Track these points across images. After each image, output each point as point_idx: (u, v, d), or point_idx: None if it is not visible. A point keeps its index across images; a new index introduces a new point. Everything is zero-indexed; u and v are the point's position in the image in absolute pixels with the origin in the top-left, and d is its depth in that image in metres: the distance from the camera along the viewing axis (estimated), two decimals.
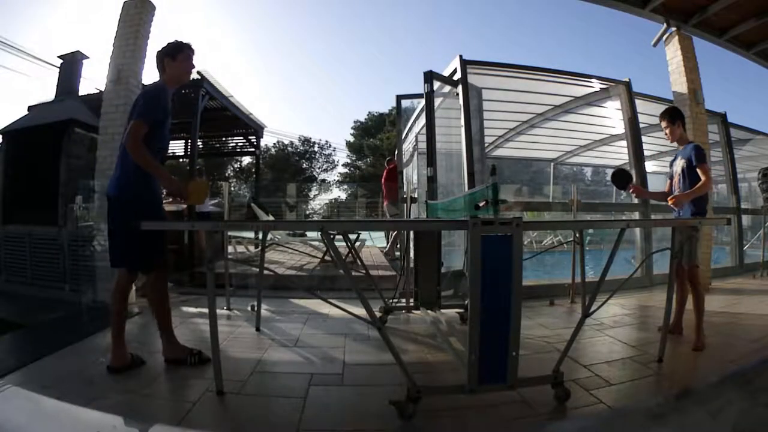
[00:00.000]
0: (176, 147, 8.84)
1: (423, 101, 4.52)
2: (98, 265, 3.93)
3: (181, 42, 2.45)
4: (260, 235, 3.68)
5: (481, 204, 2.03)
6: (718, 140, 6.51)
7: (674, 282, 2.61)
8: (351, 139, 31.55)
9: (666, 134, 3.11)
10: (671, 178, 3.12)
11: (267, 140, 27.27)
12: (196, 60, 2.51)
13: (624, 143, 5.61)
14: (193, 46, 2.46)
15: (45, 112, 6.34)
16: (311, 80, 53.89)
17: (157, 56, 2.43)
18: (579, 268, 3.88)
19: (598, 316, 3.21)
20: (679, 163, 3.00)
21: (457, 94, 4.48)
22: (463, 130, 4.34)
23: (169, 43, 2.44)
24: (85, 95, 6.82)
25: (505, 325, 1.73)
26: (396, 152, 6.67)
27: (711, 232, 5.22)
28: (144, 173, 2.22)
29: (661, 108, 5.80)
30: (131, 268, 2.34)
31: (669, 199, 2.94)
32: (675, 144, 3.14)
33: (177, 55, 2.40)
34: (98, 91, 5.72)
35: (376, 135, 29.79)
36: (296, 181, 26.29)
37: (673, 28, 5.06)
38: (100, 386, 2.06)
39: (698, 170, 2.86)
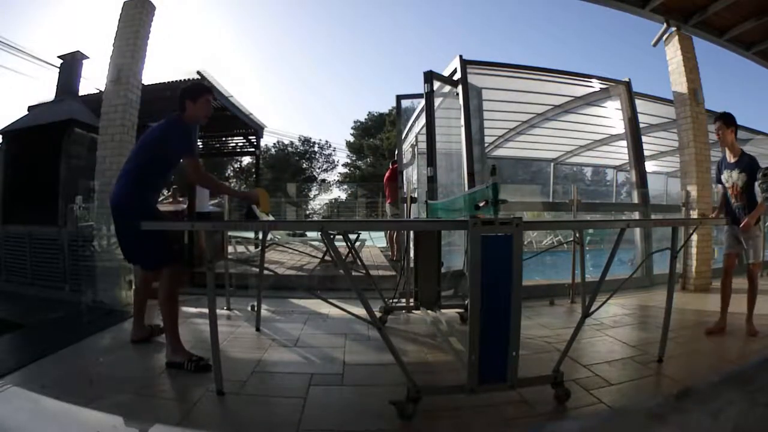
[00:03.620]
0: None
1: (423, 101, 4.52)
2: (98, 265, 3.93)
3: (202, 85, 2.67)
4: (260, 235, 3.68)
5: (481, 204, 2.03)
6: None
7: (674, 282, 2.61)
8: (351, 139, 31.54)
9: (718, 136, 3.12)
10: (727, 187, 3.14)
11: (267, 140, 27.27)
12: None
13: (624, 143, 5.62)
14: (212, 91, 2.70)
15: (45, 112, 6.34)
16: (311, 80, 53.90)
17: (179, 94, 2.57)
18: (579, 268, 3.88)
19: (598, 316, 3.21)
20: (739, 176, 3.03)
21: (457, 94, 4.48)
22: (463, 130, 4.34)
23: (192, 85, 2.62)
24: (85, 95, 6.83)
25: (505, 325, 1.73)
26: (396, 152, 6.67)
27: (711, 232, 5.22)
28: (145, 190, 2.46)
29: (661, 108, 5.84)
30: (145, 267, 2.58)
31: (741, 227, 2.97)
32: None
33: (198, 98, 2.53)
34: (98, 91, 5.72)
35: (376, 135, 29.76)
36: (296, 181, 26.27)
37: (673, 28, 5.06)
38: (100, 386, 2.05)
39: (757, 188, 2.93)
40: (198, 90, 2.56)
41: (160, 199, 2.82)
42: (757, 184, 2.98)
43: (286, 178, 26.34)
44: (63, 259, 4.57)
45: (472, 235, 1.69)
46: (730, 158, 3.12)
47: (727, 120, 3.07)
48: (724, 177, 3.16)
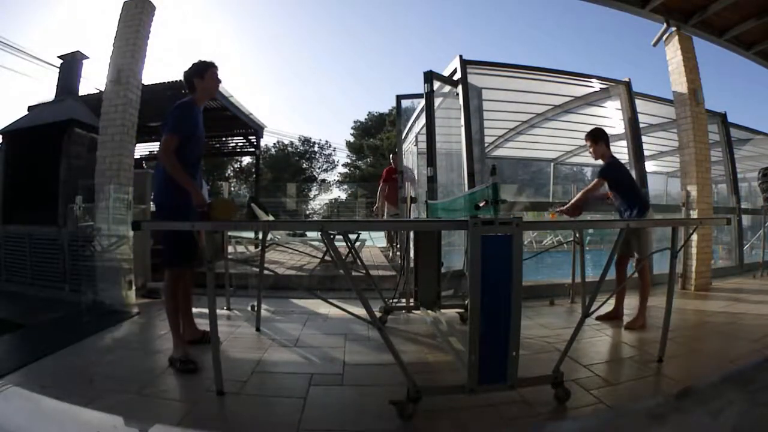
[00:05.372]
0: None
1: (423, 101, 4.52)
2: (98, 265, 3.93)
3: (206, 61, 2.63)
4: (260, 235, 3.68)
5: (480, 204, 2.02)
6: (718, 140, 6.50)
7: (674, 282, 2.61)
8: (351, 139, 31.54)
9: (590, 152, 3.48)
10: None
11: (267, 140, 27.32)
12: (220, 74, 2.68)
13: (624, 143, 5.60)
14: (216, 63, 2.65)
15: (45, 112, 6.33)
16: (311, 80, 53.97)
17: (185, 77, 2.60)
18: (579, 268, 3.88)
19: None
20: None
21: (457, 94, 4.48)
22: (463, 130, 4.33)
23: (194, 64, 2.61)
24: (85, 95, 6.82)
25: (505, 325, 1.73)
26: (396, 152, 6.67)
27: (711, 232, 5.22)
28: (169, 180, 2.42)
29: (661, 108, 5.83)
30: (167, 266, 2.55)
31: (556, 210, 3.47)
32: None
33: (204, 74, 2.58)
34: (98, 91, 5.72)
35: (376, 135, 29.75)
36: (296, 181, 26.26)
37: (673, 28, 5.06)
38: (100, 386, 2.06)
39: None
40: (203, 66, 2.60)
41: None
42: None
43: (286, 178, 26.34)
44: (63, 259, 4.57)
45: (472, 235, 1.69)
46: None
47: (593, 136, 3.41)
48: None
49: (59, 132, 5.57)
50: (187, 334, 2.67)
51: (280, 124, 67.94)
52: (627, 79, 5.34)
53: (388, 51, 54.66)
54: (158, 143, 2.54)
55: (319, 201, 26.87)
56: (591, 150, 3.47)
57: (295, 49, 56.43)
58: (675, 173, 7.87)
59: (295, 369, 2.35)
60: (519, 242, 1.73)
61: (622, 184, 3.36)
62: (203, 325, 2.69)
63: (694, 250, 4.81)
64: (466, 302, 2.44)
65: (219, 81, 2.67)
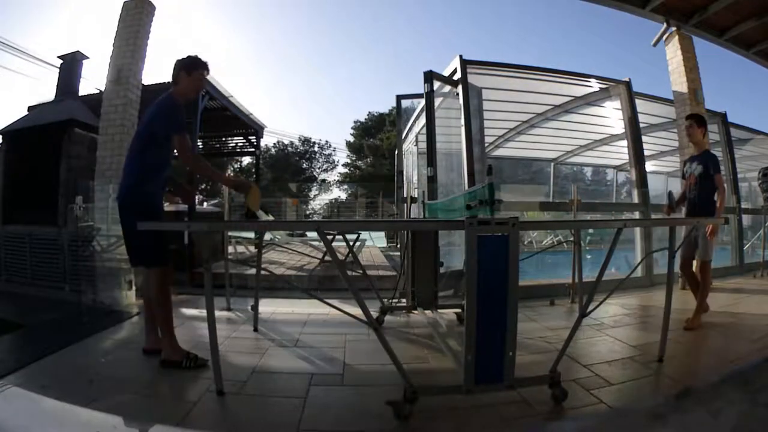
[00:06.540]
0: None
1: (423, 101, 4.52)
2: (98, 265, 3.93)
3: (200, 59, 2.49)
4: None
5: (473, 204, 2.01)
6: (718, 140, 6.50)
7: (673, 281, 2.61)
8: (351, 139, 31.53)
9: (687, 134, 3.42)
10: (685, 179, 3.44)
11: (267, 140, 27.31)
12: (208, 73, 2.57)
13: (624, 143, 5.61)
14: (209, 66, 2.53)
15: (45, 112, 6.34)
16: (311, 80, 53.97)
17: (174, 65, 2.47)
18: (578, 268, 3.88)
19: (598, 315, 3.23)
20: (697, 167, 3.29)
21: (457, 94, 4.48)
22: (463, 130, 4.34)
23: (189, 56, 2.49)
24: (85, 95, 6.83)
25: (502, 324, 1.73)
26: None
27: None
28: (146, 179, 2.35)
29: (661, 108, 5.83)
30: (149, 265, 2.41)
31: (709, 234, 3.21)
32: (684, 145, 3.35)
33: (193, 71, 2.46)
34: (98, 91, 5.72)
35: (376, 135, 29.74)
36: (296, 181, 26.25)
37: (673, 28, 5.06)
38: (100, 386, 2.05)
39: (715, 179, 3.20)
40: (195, 63, 2.47)
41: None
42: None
43: (286, 178, 26.35)
44: (63, 259, 4.57)
45: (469, 236, 1.69)
46: (695, 153, 3.42)
47: (698, 120, 3.39)
48: (686, 169, 3.47)
49: (59, 132, 5.58)
50: (150, 342, 2.50)
51: (280, 124, 67.96)
52: (627, 79, 5.34)
53: (387, 51, 54.71)
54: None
55: (319, 201, 26.90)
56: (688, 131, 3.38)
57: (295, 49, 56.48)
58: (675, 173, 7.87)
59: (295, 369, 2.35)
60: (516, 242, 1.73)
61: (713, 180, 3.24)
62: (203, 325, 2.69)
63: None
64: (464, 302, 2.44)
65: (203, 86, 2.56)
